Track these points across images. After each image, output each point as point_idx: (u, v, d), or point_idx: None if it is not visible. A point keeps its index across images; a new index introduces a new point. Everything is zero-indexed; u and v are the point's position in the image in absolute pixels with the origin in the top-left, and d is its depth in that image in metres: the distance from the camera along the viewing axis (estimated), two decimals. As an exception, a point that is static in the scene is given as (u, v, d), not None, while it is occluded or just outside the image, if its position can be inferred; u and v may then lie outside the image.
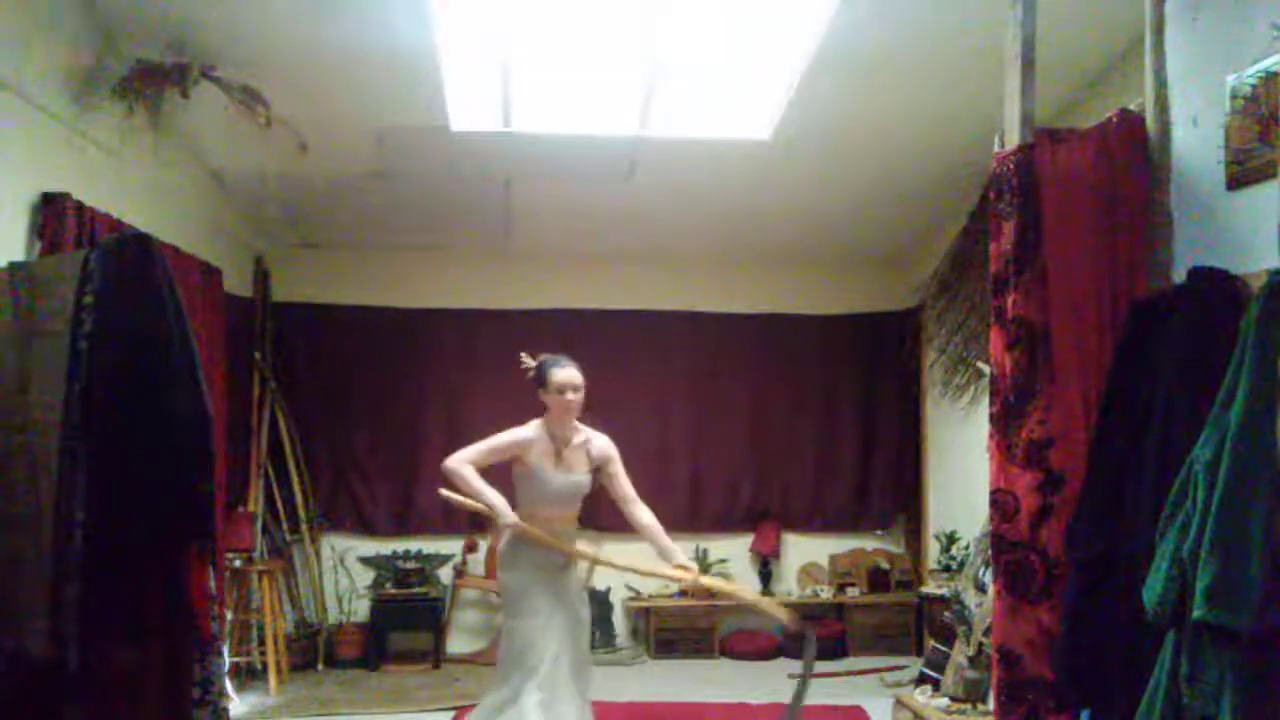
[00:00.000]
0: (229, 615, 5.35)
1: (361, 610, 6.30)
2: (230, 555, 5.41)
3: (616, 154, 5.18)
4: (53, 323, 2.64)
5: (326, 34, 3.94)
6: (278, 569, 5.92)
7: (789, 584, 6.77)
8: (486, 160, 5.24)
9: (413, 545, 6.37)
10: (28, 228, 3.33)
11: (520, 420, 6.77)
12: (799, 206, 5.95)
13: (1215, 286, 2.18)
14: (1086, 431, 2.40)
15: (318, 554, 6.34)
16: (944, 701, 4.21)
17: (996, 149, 2.58)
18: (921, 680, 4.63)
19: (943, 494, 6.28)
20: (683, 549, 6.57)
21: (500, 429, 7.18)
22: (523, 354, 3.76)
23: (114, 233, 3.55)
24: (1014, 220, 2.45)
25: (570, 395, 3.60)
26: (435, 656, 6.04)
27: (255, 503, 5.91)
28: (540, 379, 3.65)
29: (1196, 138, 2.40)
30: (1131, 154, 2.53)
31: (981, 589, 4.18)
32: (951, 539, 5.72)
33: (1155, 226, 2.50)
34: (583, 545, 3.71)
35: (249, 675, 5.62)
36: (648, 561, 3.83)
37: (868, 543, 6.83)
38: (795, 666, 6.13)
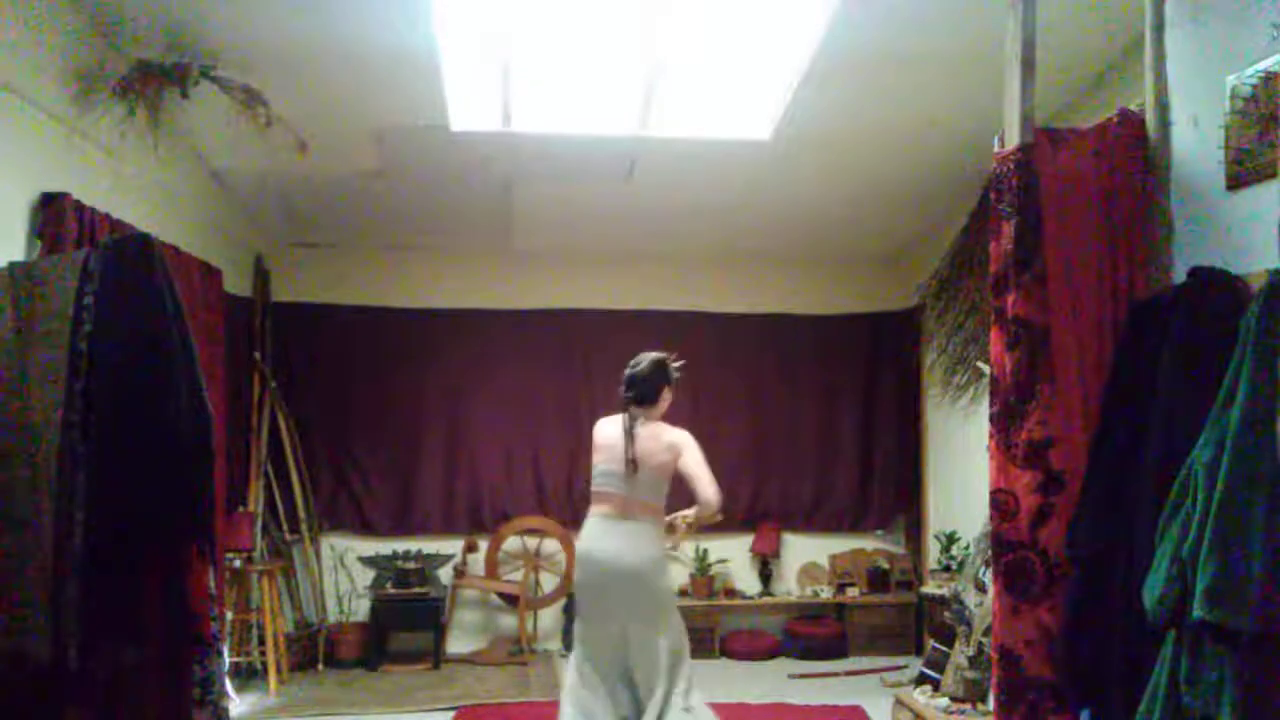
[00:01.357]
0: (229, 615, 5.35)
1: (361, 610, 6.30)
2: (230, 555, 5.41)
3: (616, 154, 5.18)
4: (53, 323, 2.64)
5: (326, 34, 3.94)
6: (278, 569, 5.91)
7: (789, 584, 6.77)
8: (486, 160, 5.24)
9: (413, 545, 6.37)
10: (28, 228, 3.32)
11: (521, 421, 6.75)
12: (799, 206, 5.95)
13: (1215, 286, 2.18)
14: (1086, 431, 2.40)
15: (318, 554, 6.35)
16: (944, 701, 4.21)
17: (996, 149, 2.58)
18: (921, 680, 4.63)
19: (943, 494, 6.28)
20: (683, 549, 6.63)
21: (499, 428, 7.19)
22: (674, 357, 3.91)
23: (114, 233, 3.55)
24: (1014, 220, 2.45)
25: None
26: (435, 656, 6.04)
27: (255, 503, 5.91)
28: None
29: (1196, 138, 2.40)
30: (1131, 154, 2.53)
31: (981, 589, 4.18)
32: (951, 539, 5.72)
33: (1155, 226, 2.50)
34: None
35: (249, 675, 5.62)
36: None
37: (868, 543, 6.83)
38: (795, 666, 6.15)
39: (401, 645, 6.22)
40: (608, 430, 3.78)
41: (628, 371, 3.81)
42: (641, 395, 3.76)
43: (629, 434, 3.69)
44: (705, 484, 3.59)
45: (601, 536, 3.65)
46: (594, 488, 3.74)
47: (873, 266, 6.92)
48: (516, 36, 4.21)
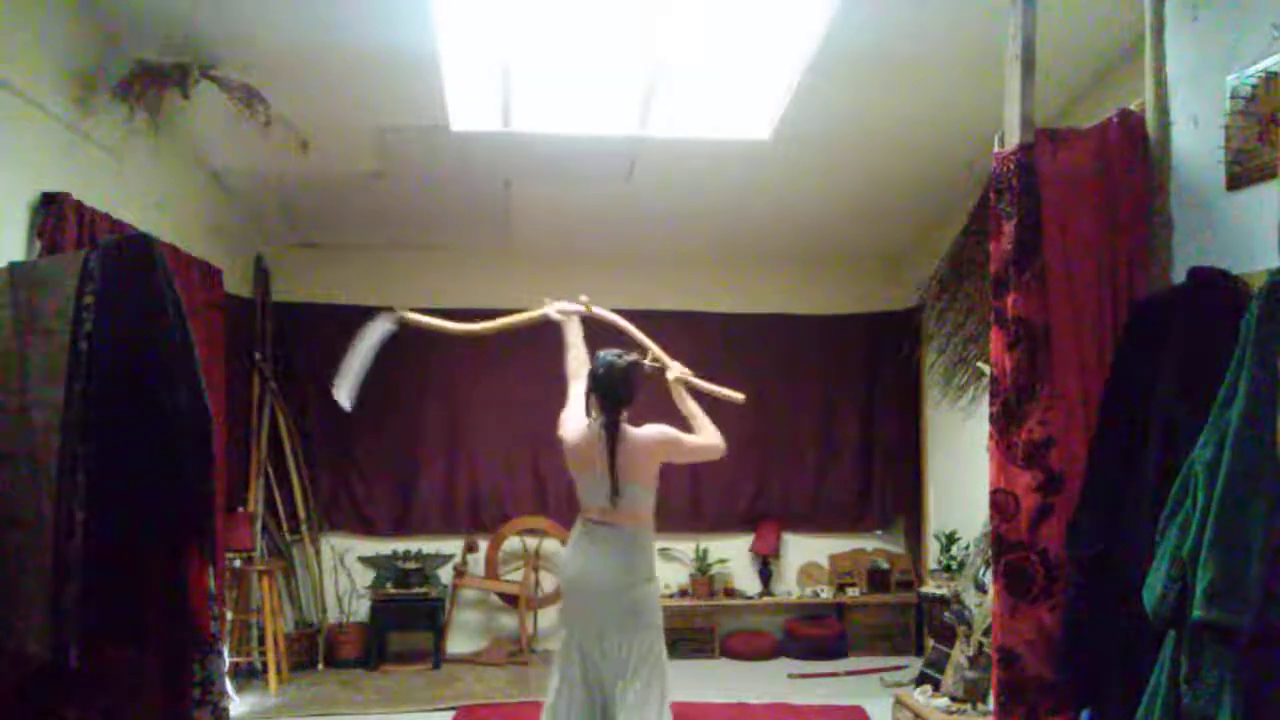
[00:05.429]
0: (229, 615, 5.35)
1: (361, 610, 6.30)
2: (230, 555, 5.41)
3: (616, 154, 5.18)
4: (53, 323, 2.64)
5: (326, 34, 3.95)
6: (278, 569, 5.92)
7: (789, 584, 6.77)
8: (486, 160, 5.24)
9: (413, 545, 6.37)
10: (28, 228, 3.33)
11: (521, 421, 6.72)
12: (799, 206, 5.95)
13: (1215, 286, 2.18)
14: (1086, 431, 2.40)
15: (318, 554, 6.34)
16: (944, 701, 4.21)
17: (996, 149, 2.58)
18: (921, 680, 4.63)
19: (943, 494, 6.28)
20: (683, 549, 6.62)
21: (499, 428, 7.13)
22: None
23: (114, 233, 3.55)
24: (1014, 220, 2.45)
25: None
26: (435, 656, 6.04)
27: (255, 503, 5.91)
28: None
29: (1196, 138, 2.40)
30: (1131, 154, 2.53)
31: (981, 589, 4.18)
32: (951, 539, 5.72)
33: (1155, 226, 2.50)
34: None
35: (249, 675, 5.62)
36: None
37: (868, 543, 6.82)
38: (795, 666, 6.14)
39: (401, 645, 6.22)
40: (581, 437, 3.41)
41: (602, 370, 3.38)
42: (626, 397, 3.38)
43: (612, 443, 3.30)
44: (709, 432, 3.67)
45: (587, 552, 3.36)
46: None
47: (873, 266, 6.91)
48: (516, 36, 4.21)
